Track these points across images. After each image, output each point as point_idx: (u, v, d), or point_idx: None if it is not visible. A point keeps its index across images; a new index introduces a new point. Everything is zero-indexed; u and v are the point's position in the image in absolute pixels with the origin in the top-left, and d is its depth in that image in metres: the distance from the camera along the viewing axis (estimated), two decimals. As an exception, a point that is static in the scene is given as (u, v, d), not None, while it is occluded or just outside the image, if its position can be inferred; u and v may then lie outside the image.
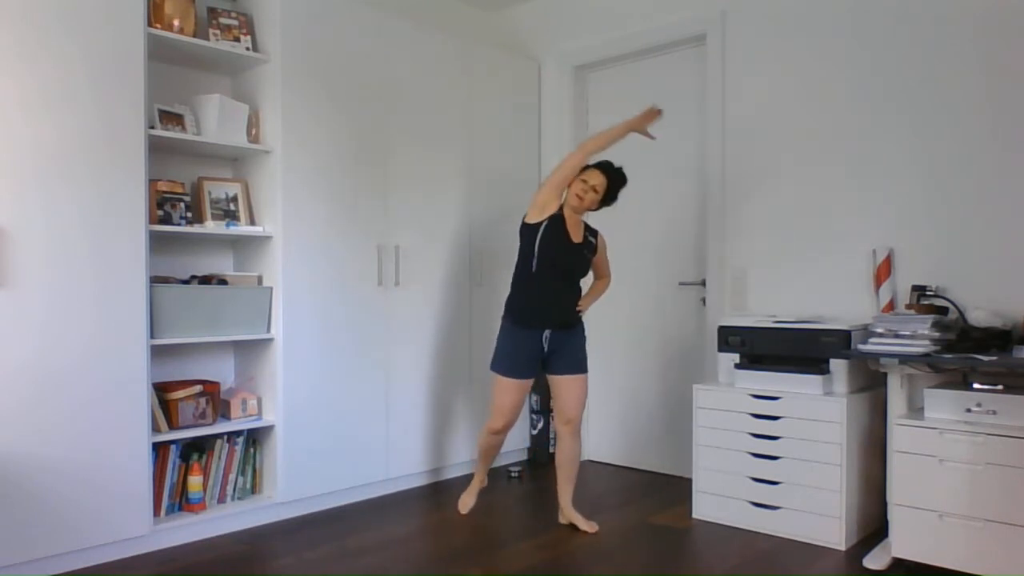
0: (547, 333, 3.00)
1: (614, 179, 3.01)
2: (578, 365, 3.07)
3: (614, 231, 4.10)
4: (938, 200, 3.01)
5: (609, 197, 3.03)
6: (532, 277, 2.99)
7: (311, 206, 3.27)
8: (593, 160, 3.03)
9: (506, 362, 3.03)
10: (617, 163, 3.05)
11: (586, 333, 3.14)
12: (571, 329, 3.05)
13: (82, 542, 2.65)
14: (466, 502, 3.30)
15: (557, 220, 2.99)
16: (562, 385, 3.08)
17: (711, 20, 3.63)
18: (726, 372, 3.22)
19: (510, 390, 3.04)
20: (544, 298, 2.99)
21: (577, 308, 3.06)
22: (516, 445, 4.18)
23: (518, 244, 3.05)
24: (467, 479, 3.84)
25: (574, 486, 3.16)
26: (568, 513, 3.13)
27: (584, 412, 3.13)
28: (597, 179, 2.98)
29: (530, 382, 3.07)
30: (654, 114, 3.03)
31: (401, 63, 3.62)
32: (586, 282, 3.17)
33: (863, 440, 2.92)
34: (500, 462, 4.14)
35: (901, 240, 3.10)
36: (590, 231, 3.10)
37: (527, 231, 3.01)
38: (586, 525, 3.09)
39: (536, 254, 2.97)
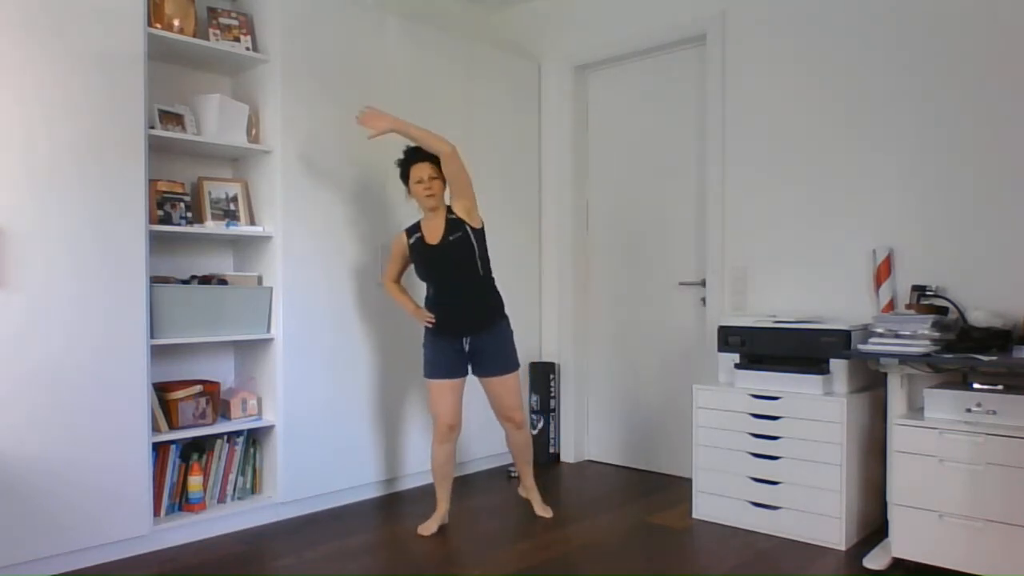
0: (466, 338, 3.03)
1: (432, 157, 2.95)
2: (503, 366, 3.07)
3: (615, 230, 4.11)
4: (938, 200, 3.01)
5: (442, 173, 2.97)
6: (430, 297, 3.04)
7: (311, 206, 3.27)
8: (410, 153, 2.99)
9: (429, 367, 3.06)
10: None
11: (512, 328, 3.12)
12: (489, 330, 3.04)
13: (82, 542, 2.65)
14: (428, 527, 3.05)
15: (416, 241, 3.01)
16: (491, 387, 3.10)
17: (711, 20, 3.63)
18: (726, 372, 3.22)
19: (441, 392, 3.04)
20: (449, 310, 3.00)
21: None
22: (516, 445, 4.18)
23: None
24: (468, 479, 3.85)
25: (531, 466, 3.28)
26: (530, 492, 3.27)
27: (525, 405, 3.08)
28: (426, 170, 2.94)
29: (461, 382, 3.08)
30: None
31: (401, 63, 3.62)
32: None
33: (863, 440, 2.92)
34: (500, 462, 4.14)
35: (901, 240, 3.10)
36: (449, 210, 3.00)
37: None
38: (541, 509, 3.23)
39: (423, 278, 3.03)
